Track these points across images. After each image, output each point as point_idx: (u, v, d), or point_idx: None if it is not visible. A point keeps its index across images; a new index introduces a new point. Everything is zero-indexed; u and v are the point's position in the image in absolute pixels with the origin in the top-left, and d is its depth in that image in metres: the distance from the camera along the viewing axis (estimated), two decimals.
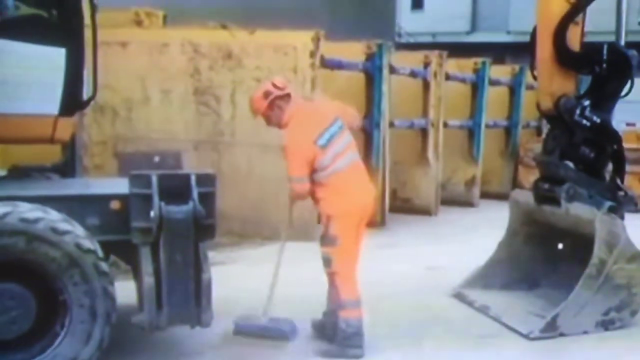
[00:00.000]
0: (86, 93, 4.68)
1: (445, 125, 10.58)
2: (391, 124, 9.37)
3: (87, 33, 4.60)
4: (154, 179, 4.05)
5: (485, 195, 11.37)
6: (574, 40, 5.49)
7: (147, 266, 3.99)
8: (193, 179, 4.11)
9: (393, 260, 7.35)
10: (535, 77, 5.86)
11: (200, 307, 4.05)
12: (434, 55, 10.06)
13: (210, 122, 8.18)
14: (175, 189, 4.07)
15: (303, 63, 7.87)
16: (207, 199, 4.12)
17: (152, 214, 3.97)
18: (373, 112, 8.91)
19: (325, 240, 4.54)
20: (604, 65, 5.47)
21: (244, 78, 7.91)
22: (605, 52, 5.47)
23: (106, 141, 8.09)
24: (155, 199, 3.99)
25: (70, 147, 7.27)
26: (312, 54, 7.87)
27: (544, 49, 5.54)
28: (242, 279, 5.10)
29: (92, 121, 8.00)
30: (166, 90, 8.17)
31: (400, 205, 10.15)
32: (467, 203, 11.22)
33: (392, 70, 9.19)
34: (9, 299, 3.79)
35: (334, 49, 8.37)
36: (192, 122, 8.21)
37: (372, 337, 5.01)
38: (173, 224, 3.97)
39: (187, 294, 4.01)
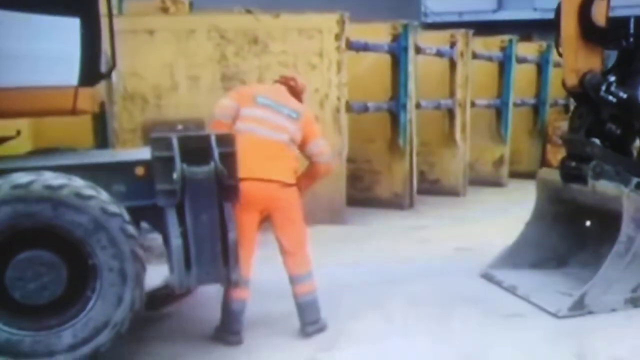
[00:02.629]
0: (106, 64, 4.61)
1: (473, 104, 10.50)
2: (418, 105, 9.34)
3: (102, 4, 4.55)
4: (175, 141, 4.05)
5: (514, 174, 11.30)
6: (599, 14, 5.43)
7: (173, 228, 4.02)
8: (213, 139, 4.10)
9: (422, 242, 7.39)
10: (560, 54, 5.81)
11: (228, 266, 4.07)
12: (460, 34, 9.99)
13: None
14: (196, 150, 4.07)
15: (328, 46, 7.88)
16: (228, 158, 4.10)
17: (174, 175, 3.99)
18: (399, 93, 8.91)
19: None
20: (631, 40, 5.40)
21: (270, 63, 7.94)
22: (632, 26, 5.39)
23: (136, 129, 8.20)
24: (177, 160, 4.01)
25: (102, 134, 7.37)
26: (338, 37, 7.87)
27: (569, 25, 5.48)
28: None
29: (123, 109, 8.10)
30: (194, 76, 8.23)
31: (428, 187, 10.16)
32: (495, 183, 11.17)
33: (418, 50, 9.16)
34: (39, 265, 3.84)
35: (359, 31, 8.36)
36: None
37: (400, 316, 5.08)
38: (196, 184, 3.98)
39: (215, 253, 4.02)
